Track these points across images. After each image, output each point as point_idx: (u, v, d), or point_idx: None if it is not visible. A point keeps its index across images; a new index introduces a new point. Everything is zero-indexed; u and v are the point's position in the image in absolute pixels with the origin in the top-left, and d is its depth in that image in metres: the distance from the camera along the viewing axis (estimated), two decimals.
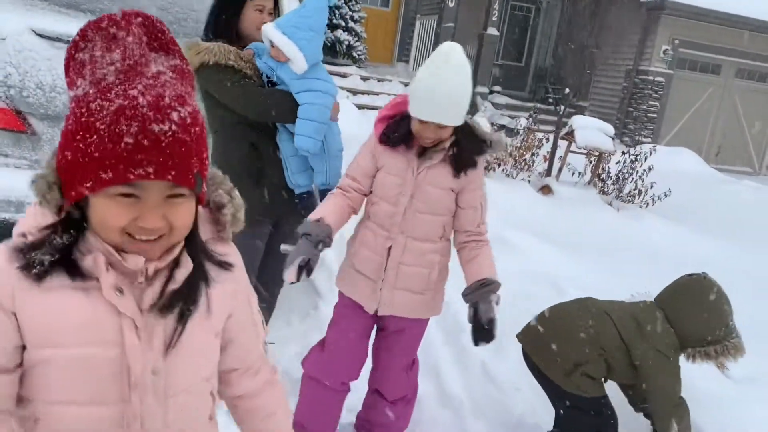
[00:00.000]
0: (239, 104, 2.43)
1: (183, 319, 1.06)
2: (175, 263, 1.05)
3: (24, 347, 1.02)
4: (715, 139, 13.54)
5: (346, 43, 10.44)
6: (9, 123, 2.72)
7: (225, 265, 1.13)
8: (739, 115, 13.66)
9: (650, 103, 12.65)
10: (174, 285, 1.04)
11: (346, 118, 3.38)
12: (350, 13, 10.58)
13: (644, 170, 7.00)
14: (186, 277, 1.05)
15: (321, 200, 2.35)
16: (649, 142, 11.85)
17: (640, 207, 6.87)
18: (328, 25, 9.17)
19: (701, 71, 13.22)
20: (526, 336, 2.51)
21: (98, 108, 0.93)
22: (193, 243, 1.08)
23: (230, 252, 1.17)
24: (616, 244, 5.54)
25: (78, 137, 0.94)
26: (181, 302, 1.06)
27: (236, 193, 1.15)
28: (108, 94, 0.93)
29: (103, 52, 0.97)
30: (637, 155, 7.13)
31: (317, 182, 2.53)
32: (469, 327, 2.11)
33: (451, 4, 10.84)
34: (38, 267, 0.98)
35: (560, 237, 5.22)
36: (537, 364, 2.42)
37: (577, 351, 2.35)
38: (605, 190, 7.02)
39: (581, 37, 13.43)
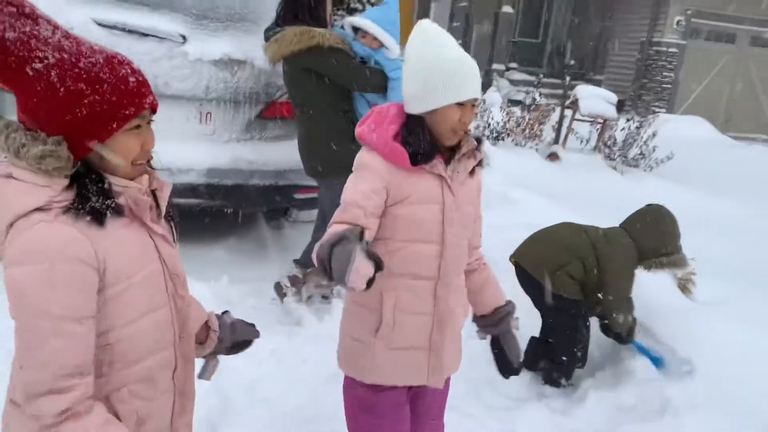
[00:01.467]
0: (349, 79, 3.08)
1: (176, 222, 1.36)
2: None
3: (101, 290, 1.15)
4: (731, 107, 13.69)
5: None
6: None
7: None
8: (755, 83, 13.77)
9: (664, 74, 12.87)
10: (164, 201, 1.29)
11: None
12: None
13: (649, 136, 7.36)
14: (169, 191, 1.30)
15: None
16: (663, 112, 12.12)
17: (644, 171, 7.24)
18: (346, 8, 9.63)
19: (715, 40, 13.37)
20: (518, 251, 3.02)
21: (89, 65, 1.10)
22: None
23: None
24: (618, 203, 5.88)
25: (87, 92, 1.09)
26: (169, 210, 1.32)
27: None
28: (84, 53, 1.10)
29: (32, 26, 1.08)
30: (641, 122, 7.49)
31: None
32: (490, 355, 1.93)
33: None
34: (104, 210, 1.13)
35: (564, 196, 5.63)
36: (526, 268, 2.91)
37: (559, 255, 2.86)
38: (611, 155, 7.40)
39: (595, 12, 13.67)
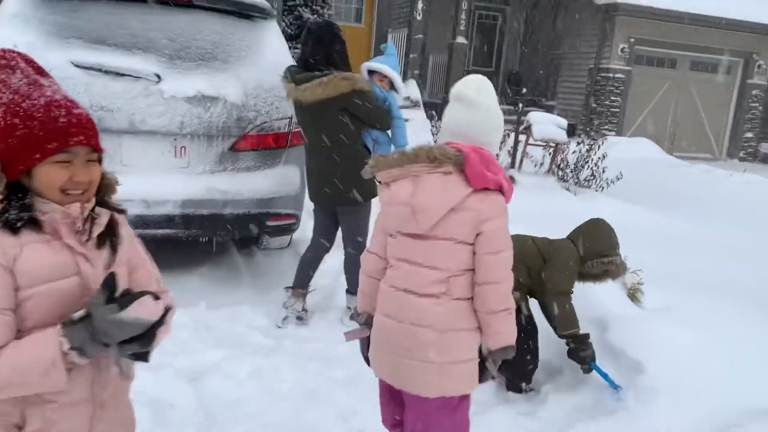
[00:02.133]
0: (376, 120, 3.53)
1: (114, 248, 1.46)
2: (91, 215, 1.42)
3: (16, 291, 1.32)
4: (675, 128, 14.41)
5: None
6: None
7: (120, 210, 1.50)
8: (697, 105, 14.54)
9: (612, 98, 13.49)
10: (99, 227, 1.42)
11: None
12: None
13: (599, 158, 7.77)
14: (107, 220, 1.44)
15: None
16: (613, 135, 12.68)
17: (596, 191, 7.63)
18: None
19: (658, 66, 14.10)
20: None
21: (30, 105, 1.32)
22: (100, 197, 1.45)
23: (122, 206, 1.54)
24: (571, 221, 6.21)
25: (20, 126, 1.30)
26: (109, 237, 1.45)
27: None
28: (32, 97, 1.33)
29: (7, 75, 1.36)
30: (591, 144, 7.91)
31: None
32: None
33: (419, 17, 11.62)
34: (16, 223, 1.31)
35: (521, 216, 5.88)
36: None
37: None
38: (564, 177, 7.77)
39: (545, 41, 14.28)
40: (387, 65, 3.72)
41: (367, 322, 2.17)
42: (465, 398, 2.09)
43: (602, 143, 7.93)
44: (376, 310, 2.10)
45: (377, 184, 2.09)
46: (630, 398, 2.95)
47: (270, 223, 3.92)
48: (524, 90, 8.53)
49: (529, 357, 3.14)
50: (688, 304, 3.75)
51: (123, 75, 3.46)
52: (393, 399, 2.17)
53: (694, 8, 12.88)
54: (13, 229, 1.31)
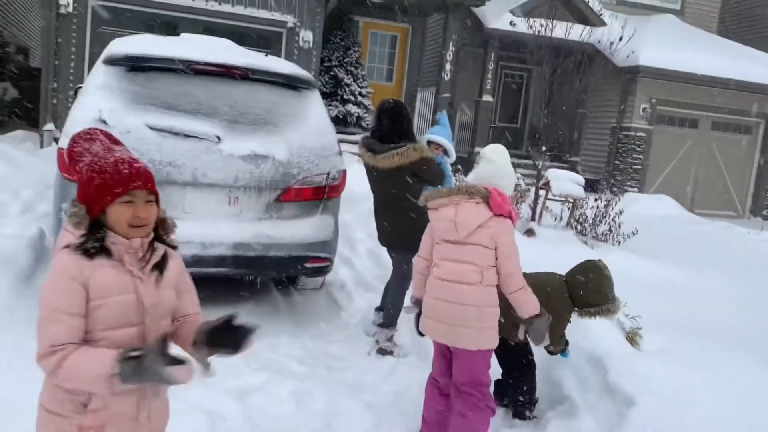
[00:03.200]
0: (435, 180, 4.26)
1: (162, 273, 1.88)
2: (151, 246, 1.87)
3: (87, 302, 1.76)
4: (697, 185, 14.73)
5: (356, 114, 11.88)
6: None
7: (173, 247, 1.95)
8: (719, 164, 14.87)
9: (634, 156, 13.93)
10: (156, 258, 1.87)
11: (360, 178, 4.70)
12: (359, 89, 12.09)
13: (616, 213, 8.18)
14: (162, 252, 1.89)
15: None
16: (635, 191, 13.07)
17: (612, 245, 8.02)
18: (339, 99, 10.89)
19: (679, 125, 14.54)
20: None
21: (104, 163, 1.78)
22: (157, 233, 1.90)
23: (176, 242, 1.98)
24: None
25: (97, 178, 1.76)
26: (160, 265, 1.88)
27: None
28: (105, 158, 1.80)
29: (90, 144, 1.85)
30: (609, 200, 8.34)
31: None
32: None
33: (447, 77, 12.32)
34: (91, 250, 1.76)
35: (542, 267, 6.36)
36: None
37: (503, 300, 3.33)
38: (582, 231, 8.19)
39: (569, 100, 14.88)
40: (442, 136, 4.63)
41: (417, 304, 3.22)
42: (489, 350, 3.09)
43: (620, 199, 8.35)
44: (425, 295, 3.12)
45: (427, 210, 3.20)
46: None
47: (308, 265, 4.44)
48: (544, 148, 9.02)
49: (525, 388, 3.54)
50: (683, 347, 4.10)
51: (189, 136, 4.08)
52: (441, 353, 3.17)
53: (711, 71, 13.38)
54: (90, 255, 1.76)
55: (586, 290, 3.50)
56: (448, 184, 4.44)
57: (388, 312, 4.30)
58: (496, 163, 3.12)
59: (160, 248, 1.90)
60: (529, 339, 3.26)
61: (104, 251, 1.79)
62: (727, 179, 14.97)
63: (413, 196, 4.17)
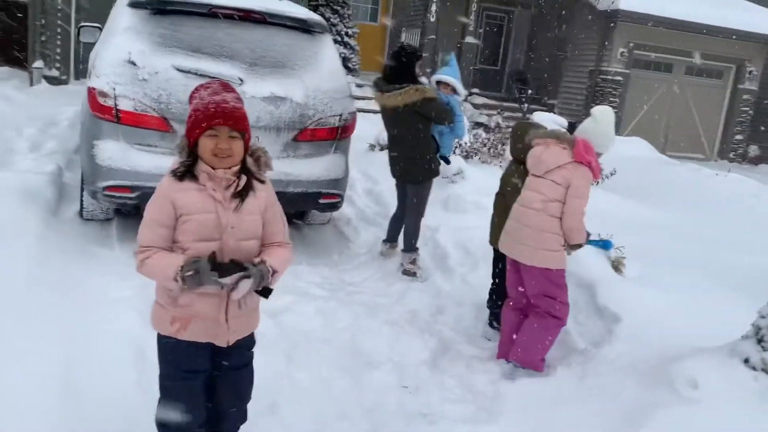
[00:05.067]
0: (442, 118, 4.68)
1: (243, 199, 2.17)
2: (237, 179, 2.15)
3: (176, 217, 2.13)
4: (669, 129, 15.28)
5: (343, 55, 11.99)
6: (160, 126, 4.29)
7: (261, 180, 2.23)
8: (691, 108, 15.40)
9: (610, 99, 14.32)
10: (238, 187, 2.15)
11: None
12: (345, 29, 12.16)
13: None
14: (245, 182, 2.17)
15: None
16: None
17: (593, 185, 8.47)
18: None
19: (655, 70, 14.96)
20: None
21: (199, 103, 2.09)
22: (245, 167, 2.19)
23: (265, 177, 2.27)
24: None
25: (193, 115, 2.09)
26: (243, 193, 2.16)
27: (266, 152, 2.27)
28: (205, 99, 2.08)
29: (202, 91, 2.14)
30: None
31: (446, 154, 5.03)
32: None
33: (432, 19, 12.45)
34: (179, 173, 2.13)
35: None
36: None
37: None
38: None
39: (549, 43, 15.13)
40: (451, 76, 4.90)
41: None
42: (559, 272, 3.56)
43: None
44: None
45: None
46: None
47: (322, 201, 4.79)
48: (530, 91, 9.35)
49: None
50: (660, 274, 4.62)
51: (213, 78, 4.31)
52: (513, 269, 3.68)
53: (689, 17, 13.72)
54: (179, 177, 2.14)
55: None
56: (458, 122, 4.79)
57: (408, 239, 4.76)
58: (599, 123, 3.51)
59: (243, 179, 2.18)
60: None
61: (193, 176, 2.13)
62: (698, 123, 15.55)
63: (420, 133, 4.60)
